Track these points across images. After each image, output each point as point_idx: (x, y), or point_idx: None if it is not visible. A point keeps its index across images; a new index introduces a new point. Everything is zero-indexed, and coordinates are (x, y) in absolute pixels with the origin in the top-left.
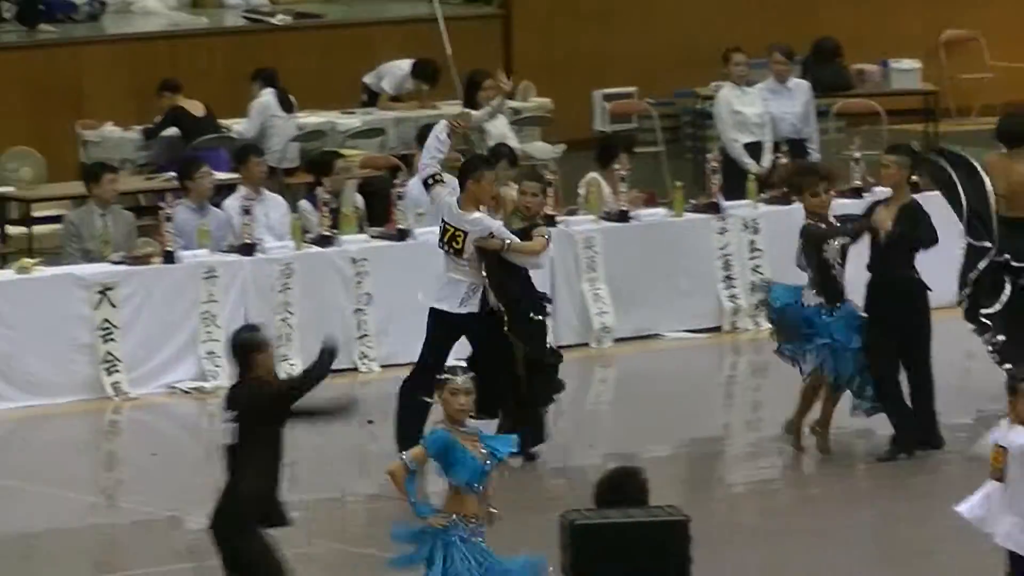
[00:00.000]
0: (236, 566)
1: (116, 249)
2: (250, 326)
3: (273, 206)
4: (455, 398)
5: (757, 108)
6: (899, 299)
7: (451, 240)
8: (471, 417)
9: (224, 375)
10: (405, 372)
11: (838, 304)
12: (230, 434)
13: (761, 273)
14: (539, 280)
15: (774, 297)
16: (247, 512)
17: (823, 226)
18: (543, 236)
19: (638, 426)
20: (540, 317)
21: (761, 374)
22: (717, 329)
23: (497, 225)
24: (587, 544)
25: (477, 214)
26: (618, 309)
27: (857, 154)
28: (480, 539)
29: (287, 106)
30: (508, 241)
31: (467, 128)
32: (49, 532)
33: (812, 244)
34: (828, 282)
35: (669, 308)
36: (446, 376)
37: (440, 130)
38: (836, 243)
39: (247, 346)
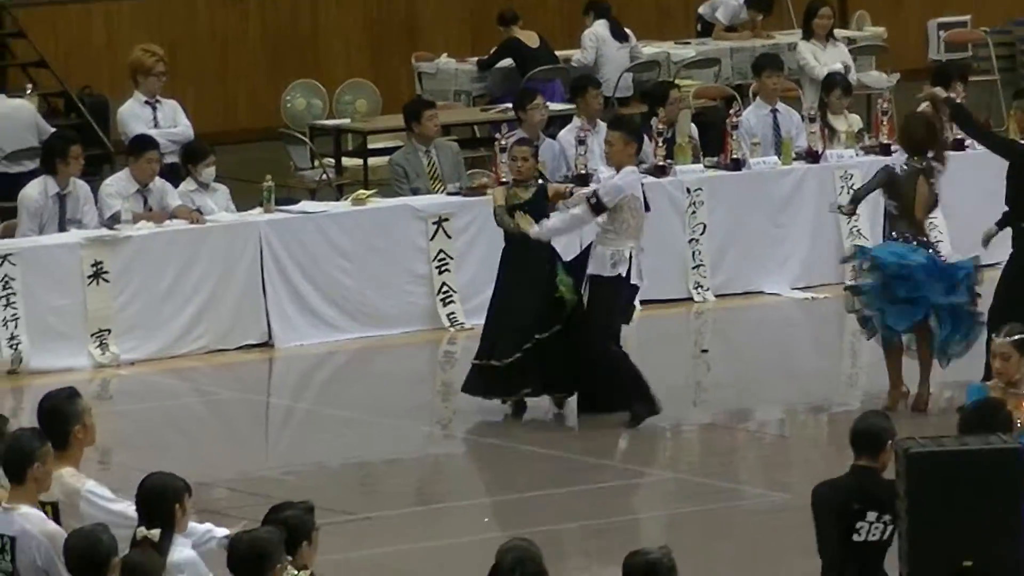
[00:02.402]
0: None
1: (445, 183)
2: None
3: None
4: (994, 361)
5: None
6: None
7: None
8: None
9: None
10: (740, 301)
11: None
12: None
13: None
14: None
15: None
16: None
17: None
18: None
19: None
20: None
21: None
22: None
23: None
24: (922, 471)
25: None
26: (955, 240)
27: None
28: None
29: (620, 35)
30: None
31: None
32: (386, 462)
33: None
34: None
35: (1007, 238)
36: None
37: None
38: None
39: None
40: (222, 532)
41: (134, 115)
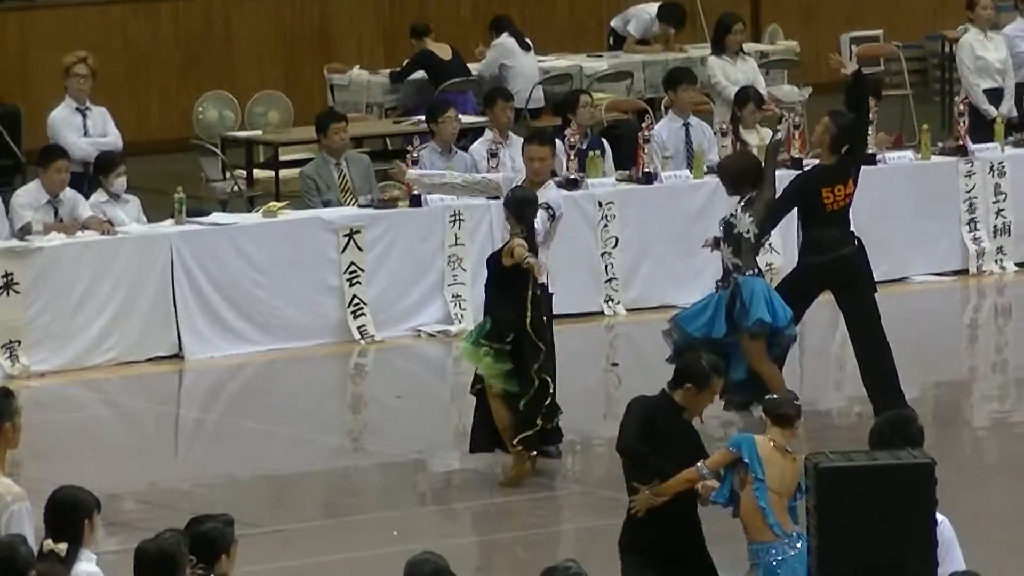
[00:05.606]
0: None
1: (356, 195)
2: None
3: (519, 150)
4: None
5: (1000, 53)
6: None
7: None
8: None
9: (469, 319)
10: (651, 316)
11: None
12: None
13: (1005, 217)
14: None
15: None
16: None
17: None
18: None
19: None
20: None
21: (1006, 316)
22: (964, 272)
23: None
24: (832, 487)
25: None
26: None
27: None
28: None
29: (525, 46)
30: None
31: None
32: (295, 475)
33: None
34: None
35: (915, 251)
36: None
37: None
38: None
39: None
40: None
41: (65, 122)
